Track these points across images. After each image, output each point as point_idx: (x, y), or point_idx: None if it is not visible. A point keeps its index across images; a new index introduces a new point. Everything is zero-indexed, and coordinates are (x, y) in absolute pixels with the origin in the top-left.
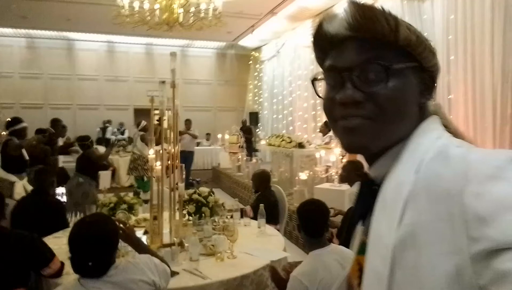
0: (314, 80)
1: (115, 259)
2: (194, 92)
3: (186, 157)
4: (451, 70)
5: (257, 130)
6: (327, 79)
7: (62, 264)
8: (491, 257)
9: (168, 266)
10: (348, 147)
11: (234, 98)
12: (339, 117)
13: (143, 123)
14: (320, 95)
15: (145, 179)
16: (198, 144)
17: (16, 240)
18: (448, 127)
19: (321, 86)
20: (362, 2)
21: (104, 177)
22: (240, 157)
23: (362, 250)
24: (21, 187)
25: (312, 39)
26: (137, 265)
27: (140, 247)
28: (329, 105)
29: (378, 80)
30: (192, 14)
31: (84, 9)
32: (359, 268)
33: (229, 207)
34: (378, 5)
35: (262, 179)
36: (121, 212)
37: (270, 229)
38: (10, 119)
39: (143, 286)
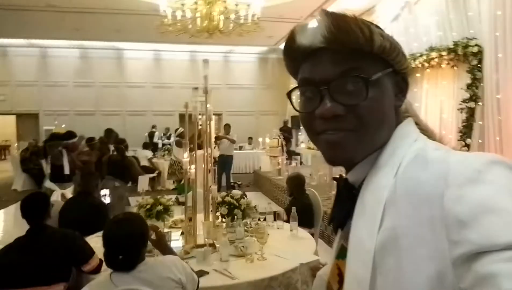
0: (289, 93)
1: (144, 256)
2: (237, 97)
3: (226, 161)
4: (499, 68)
5: (299, 133)
6: (304, 91)
7: (101, 261)
8: (471, 261)
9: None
10: (332, 161)
11: (276, 102)
12: (320, 131)
13: (180, 129)
14: (297, 107)
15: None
16: (240, 148)
17: (60, 237)
18: (419, 125)
19: (295, 97)
20: (335, 12)
21: (142, 180)
22: (280, 160)
23: (341, 254)
24: (58, 195)
25: (284, 50)
26: (164, 263)
27: (167, 253)
28: (308, 119)
29: (357, 93)
30: (231, 21)
31: (131, 20)
32: (338, 273)
33: (262, 210)
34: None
35: (296, 183)
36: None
37: (302, 232)
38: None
39: (169, 283)
